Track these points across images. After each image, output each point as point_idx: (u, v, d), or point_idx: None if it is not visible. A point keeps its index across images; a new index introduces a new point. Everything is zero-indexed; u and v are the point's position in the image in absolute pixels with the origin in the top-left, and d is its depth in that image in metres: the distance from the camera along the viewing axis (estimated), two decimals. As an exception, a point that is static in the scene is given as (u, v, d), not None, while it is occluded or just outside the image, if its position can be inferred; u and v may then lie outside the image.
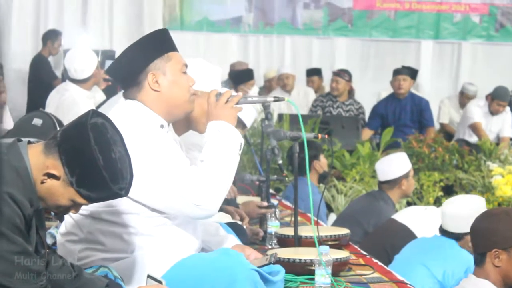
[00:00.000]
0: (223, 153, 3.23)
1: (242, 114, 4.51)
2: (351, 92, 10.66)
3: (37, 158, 2.62)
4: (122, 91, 3.42)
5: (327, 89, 11.30)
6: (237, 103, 3.38)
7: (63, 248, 3.24)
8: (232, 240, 3.68)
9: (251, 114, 4.69)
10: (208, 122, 3.35)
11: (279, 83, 11.10)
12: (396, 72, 10.13)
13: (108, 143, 2.62)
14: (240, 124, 4.54)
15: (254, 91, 10.44)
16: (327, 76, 11.17)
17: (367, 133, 9.82)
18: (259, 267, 3.26)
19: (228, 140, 3.27)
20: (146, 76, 3.28)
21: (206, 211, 3.17)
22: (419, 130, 9.71)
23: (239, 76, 10.28)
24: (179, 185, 3.12)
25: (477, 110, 9.82)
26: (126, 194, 2.68)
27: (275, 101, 3.55)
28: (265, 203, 4.81)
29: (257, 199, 5.24)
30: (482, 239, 3.72)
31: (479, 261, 3.75)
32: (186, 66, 3.38)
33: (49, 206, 2.67)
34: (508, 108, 9.92)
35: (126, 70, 3.32)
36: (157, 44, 3.33)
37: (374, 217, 6.19)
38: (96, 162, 2.57)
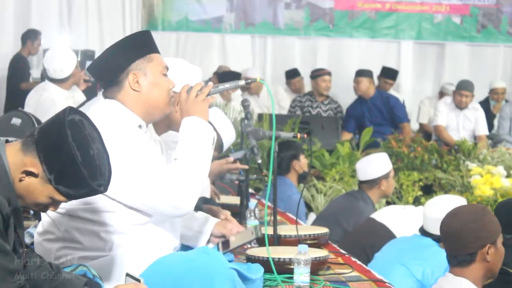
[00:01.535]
0: (196, 150, 3.24)
1: (222, 134, 4.55)
2: None
3: (15, 156, 2.61)
4: (102, 90, 3.42)
5: (307, 89, 11.30)
6: (208, 93, 3.38)
7: (40, 247, 3.23)
8: (212, 220, 3.78)
9: (230, 136, 4.75)
10: (182, 119, 3.36)
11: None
12: (355, 75, 10.21)
13: (86, 139, 2.62)
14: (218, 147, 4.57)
15: (237, 93, 10.49)
16: (308, 76, 11.15)
17: (346, 136, 9.82)
18: (245, 243, 3.26)
19: (200, 135, 3.28)
20: (127, 76, 3.29)
21: (182, 210, 3.19)
22: (393, 127, 9.73)
23: (227, 77, 10.34)
24: (156, 185, 3.13)
25: (443, 109, 9.82)
26: (105, 190, 2.69)
27: (247, 84, 3.54)
28: (231, 159, 4.83)
29: (236, 198, 5.25)
30: (474, 239, 3.69)
31: (468, 261, 3.70)
32: (167, 68, 3.38)
33: (27, 204, 2.67)
34: (478, 105, 9.96)
35: (107, 69, 3.32)
36: (140, 45, 3.34)
37: (354, 217, 6.21)
38: (74, 158, 2.57)
